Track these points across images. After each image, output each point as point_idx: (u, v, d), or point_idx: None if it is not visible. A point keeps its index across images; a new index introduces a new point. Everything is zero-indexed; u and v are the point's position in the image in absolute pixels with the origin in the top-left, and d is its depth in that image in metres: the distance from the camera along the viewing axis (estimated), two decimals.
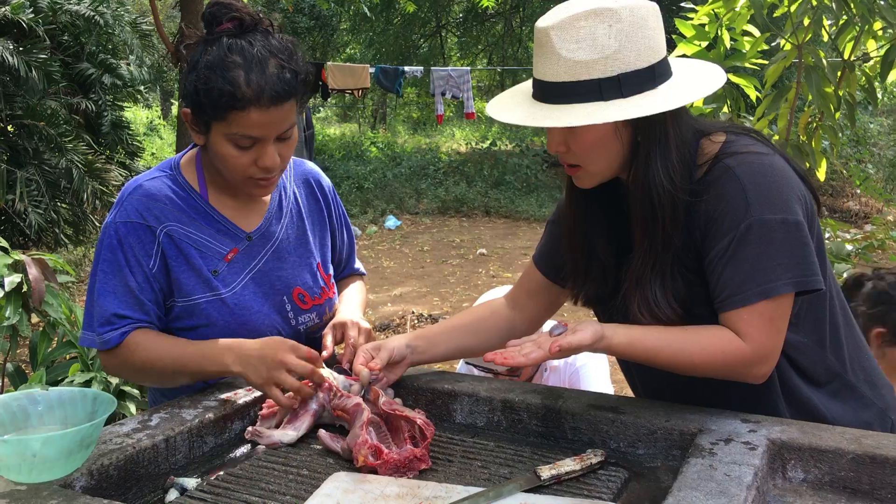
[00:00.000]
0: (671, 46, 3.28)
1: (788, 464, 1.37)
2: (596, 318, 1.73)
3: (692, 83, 1.52)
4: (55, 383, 3.20)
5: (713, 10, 3.33)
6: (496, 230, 12.36)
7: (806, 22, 3.14)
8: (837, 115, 3.29)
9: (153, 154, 15.95)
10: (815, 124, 3.38)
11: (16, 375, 3.30)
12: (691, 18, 3.38)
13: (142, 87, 10.94)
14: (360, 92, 13.47)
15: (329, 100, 15.70)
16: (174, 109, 19.53)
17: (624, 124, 1.49)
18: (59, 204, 8.63)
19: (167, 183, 1.82)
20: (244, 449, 1.60)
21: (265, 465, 1.49)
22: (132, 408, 3.10)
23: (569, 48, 1.44)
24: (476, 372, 2.73)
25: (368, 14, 16.53)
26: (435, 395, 1.72)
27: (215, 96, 1.63)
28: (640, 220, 1.54)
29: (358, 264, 2.19)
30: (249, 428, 1.62)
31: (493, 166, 15.87)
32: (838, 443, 1.36)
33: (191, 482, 1.42)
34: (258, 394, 1.70)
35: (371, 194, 14.26)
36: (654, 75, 1.47)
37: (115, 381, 3.14)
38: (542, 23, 1.48)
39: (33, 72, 8.04)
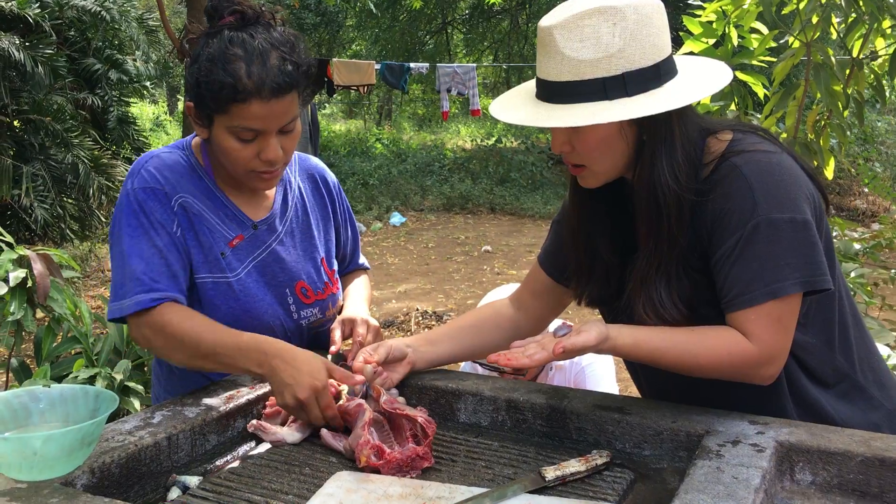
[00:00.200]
0: (678, 44, 3.27)
1: (797, 466, 1.36)
2: (601, 319, 1.71)
3: (698, 81, 1.50)
4: (59, 379, 3.20)
5: (721, 7, 3.31)
6: (501, 227, 12.34)
7: (814, 19, 3.12)
8: (846, 113, 3.27)
9: None
10: (823, 122, 3.37)
11: (20, 370, 3.30)
12: (699, 15, 3.36)
13: (148, 83, 10.96)
14: (366, 88, 13.49)
15: (334, 96, 15.69)
16: (180, 105, 19.55)
17: (629, 123, 1.48)
18: (64, 199, 8.64)
19: (182, 158, 1.82)
20: (247, 447, 1.59)
21: (267, 463, 1.48)
22: (136, 404, 3.10)
23: (573, 47, 1.43)
24: (480, 370, 2.72)
25: (374, 10, 16.53)
26: (438, 393, 1.71)
27: (216, 88, 1.62)
28: (645, 220, 1.53)
29: (362, 259, 2.19)
30: (253, 422, 1.61)
31: (499, 163, 15.85)
32: (847, 445, 1.34)
33: (193, 480, 1.41)
34: (261, 392, 1.69)
35: (376, 191, 14.25)
36: (660, 73, 1.46)
37: (119, 377, 3.14)
38: (545, 22, 1.46)
39: (39, 67, 8.04)
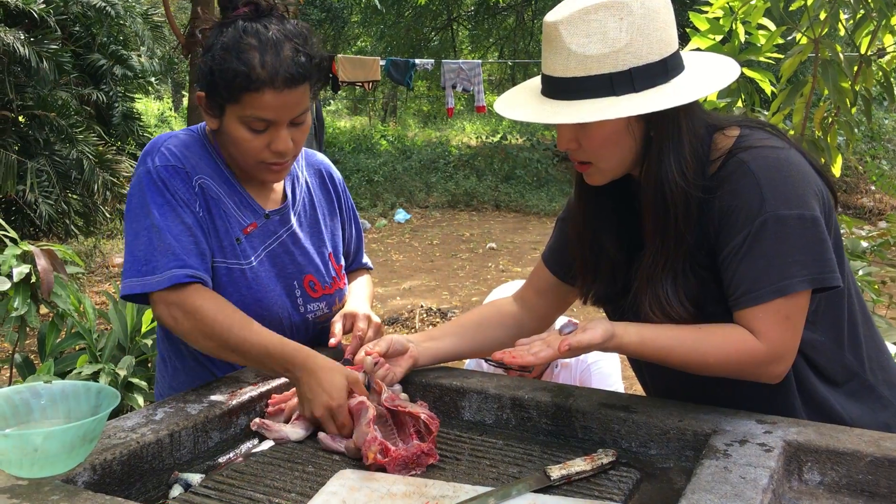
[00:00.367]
0: (685, 40, 3.25)
1: (805, 466, 1.35)
2: (606, 317, 1.70)
3: (705, 76, 1.48)
4: (63, 374, 3.20)
5: (728, 3, 3.29)
6: (506, 224, 12.33)
7: (822, 16, 3.10)
8: (854, 110, 3.25)
9: None
10: (830, 119, 3.34)
11: (24, 366, 3.30)
12: (706, 12, 3.34)
13: (153, 79, 10.95)
14: (371, 84, 13.48)
15: (339, 92, 15.68)
16: (185, 101, 19.57)
17: (636, 119, 1.46)
18: (69, 195, 8.65)
19: (198, 141, 1.81)
20: (249, 444, 1.58)
21: (270, 461, 1.47)
22: (140, 400, 3.10)
23: (579, 42, 1.41)
24: (486, 368, 2.71)
25: (379, 6, 16.51)
26: (443, 391, 1.70)
27: (230, 77, 1.62)
28: (652, 218, 1.51)
29: (366, 259, 2.18)
30: (256, 420, 1.60)
31: (504, 160, 15.83)
32: (856, 445, 1.33)
33: (195, 478, 1.40)
34: (263, 389, 1.69)
35: (381, 187, 14.24)
36: (667, 69, 1.44)
37: (122, 373, 3.14)
38: (550, 17, 1.45)
39: (44, 62, 8.04)
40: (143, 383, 3.16)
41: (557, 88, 1.46)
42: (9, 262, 2.95)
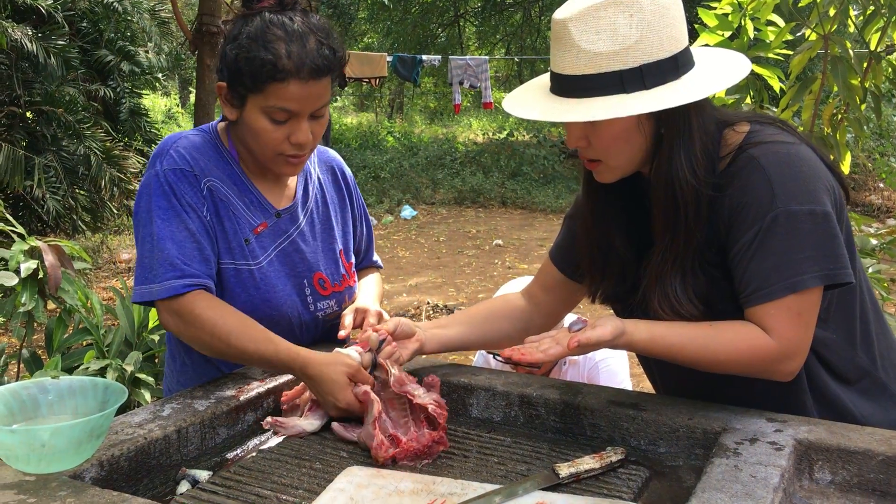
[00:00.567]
0: (693, 36, 3.23)
1: (815, 465, 1.34)
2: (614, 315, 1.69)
3: (716, 72, 1.47)
4: (70, 370, 3.20)
5: None
6: (513, 221, 12.31)
7: (832, 12, 3.07)
8: (863, 107, 3.22)
9: None
10: (839, 116, 3.32)
11: (31, 362, 3.30)
12: (714, 8, 3.32)
13: (160, 75, 10.97)
14: (378, 81, 13.46)
15: (346, 89, 15.67)
16: (192, 98, 19.59)
17: (647, 117, 1.45)
18: (77, 191, 8.67)
19: (208, 142, 1.82)
20: (257, 441, 1.57)
21: (278, 457, 1.47)
22: (147, 396, 3.10)
23: (589, 39, 1.40)
24: (493, 364, 2.71)
25: (386, 3, 16.50)
26: (451, 388, 1.69)
27: (257, 65, 1.63)
28: (661, 215, 1.50)
29: (376, 257, 2.18)
30: (269, 418, 1.60)
31: (510, 157, 15.81)
32: (868, 444, 1.32)
33: (203, 474, 1.40)
34: (270, 385, 1.69)
35: (387, 184, 14.24)
36: (678, 65, 1.43)
37: (129, 368, 3.14)
38: (559, 14, 1.43)
39: (52, 58, 8.06)
40: (151, 379, 3.16)
41: (567, 86, 1.44)
42: (16, 257, 2.95)
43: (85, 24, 9.53)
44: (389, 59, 13.10)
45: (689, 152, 1.46)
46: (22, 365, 3.29)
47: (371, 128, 20.35)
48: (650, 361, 1.72)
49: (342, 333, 1.79)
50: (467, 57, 14.67)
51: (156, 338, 3.56)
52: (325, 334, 1.92)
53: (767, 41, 3.27)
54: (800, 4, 3.35)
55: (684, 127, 1.46)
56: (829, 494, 1.30)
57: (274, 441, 1.56)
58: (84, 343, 3.55)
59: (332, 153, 2.08)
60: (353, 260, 2.02)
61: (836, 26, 3.09)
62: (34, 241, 3.04)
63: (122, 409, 1.43)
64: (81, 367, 3.15)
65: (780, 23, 3.29)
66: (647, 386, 1.86)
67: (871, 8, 3.09)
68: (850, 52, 3.06)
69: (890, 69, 3.26)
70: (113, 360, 3.17)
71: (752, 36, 3.31)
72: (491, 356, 2.73)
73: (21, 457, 1.24)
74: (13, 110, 8.26)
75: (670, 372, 1.64)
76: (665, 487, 1.36)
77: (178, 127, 19.47)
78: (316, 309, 1.89)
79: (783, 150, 1.44)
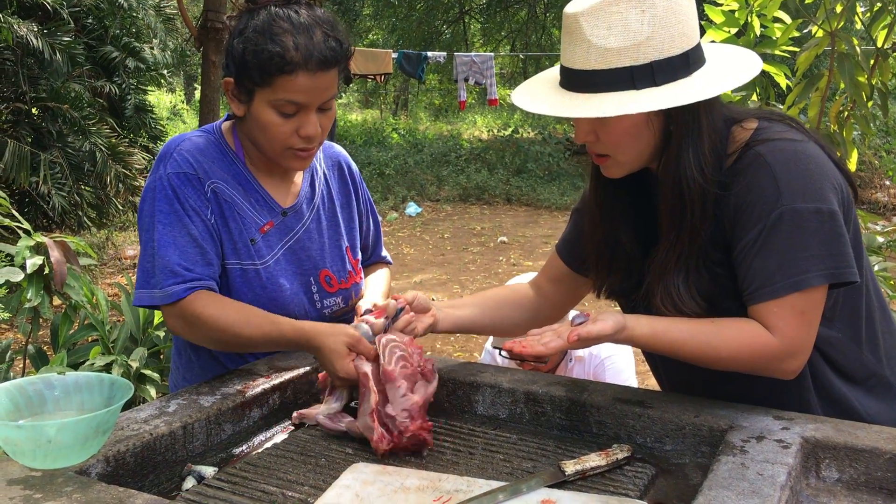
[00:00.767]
0: (700, 32, 3.22)
1: (822, 463, 1.33)
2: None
3: (727, 70, 1.46)
4: (76, 366, 3.21)
5: None
6: (517, 218, 12.31)
7: (839, 9, 3.06)
8: (870, 104, 3.21)
9: None
10: (846, 113, 3.31)
11: (37, 357, 3.31)
12: (721, 4, 3.31)
13: (165, 71, 10.98)
14: (383, 77, 13.45)
15: (351, 85, 15.68)
16: (197, 94, 19.63)
17: (656, 113, 1.44)
18: (82, 187, 8.69)
19: (212, 142, 1.82)
20: (262, 437, 1.57)
21: (283, 454, 1.47)
22: (152, 391, 3.10)
23: (600, 34, 1.39)
24: (499, 360, 2.71)
25: None
26: (456, 385, 1.69)
27: (265, 58, 1.63)
28: (667, 212, 1.49)
29: (384, 252, 2.18)
30: (294, 414, 1.63)
31: (515, 154, 15.80)
32: (875, 442, 1.31)
33: (208, 470, 1.40)
34: (276, 381, 1.68)
35: (392, 181, 14.24)
36: (688, 62, 1.42)
37: (135, 364, 3.14)
38: (571, 8, 1.43)
39: (57, 54, 8.07)
40: (156, 375, 3.16)
41: (577, 81, 1.44)
42: (22, 253, 2.95)
43: (90, 21, 9.54)
44: (395, 55, 13.09)
45: (697, 150, 1.45)
46: (28, 361, 3.29)
47: (376, 124, 20.36)
48: (656, 359, 1.72)
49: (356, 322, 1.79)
50: (472, 54, 14.65)
51: (161, 334, 3.57)
52: None
53: (774, 38, 3.26)
54: (806, 1, 3.34)
55: (693, 125, 1.45)
56: (836, 492, 1.30)
57: (280, 437, 1.56)
58: (89, 339, 3.56)
59: (338, 148, 2.07)
60: (359, 256, 2.02)
61: (842, 23, 3.07)
62: (40, 238, 3.04)
63: (128, 405, 1.43)
64: (87, 362, 3.15)
65: (787, 19, 3.28)
66: (652, 383, 1.86)
67: (878, 5, 3.07)
68: (857, 48, 3.04)
69: None
70: (118, 356, 3.17)
71: (758, 32, 3.30)
72: (497, 353, 2.73)
73: (27, 452, 1.24)
74: (19, 106, 8.28)
75: (676, 369, 1.64)
76: (671, 485, 1.36)
77: (182, 123, 19.50)
78: (322, 306, 1.89)
79: (790, 147, 1.44)
